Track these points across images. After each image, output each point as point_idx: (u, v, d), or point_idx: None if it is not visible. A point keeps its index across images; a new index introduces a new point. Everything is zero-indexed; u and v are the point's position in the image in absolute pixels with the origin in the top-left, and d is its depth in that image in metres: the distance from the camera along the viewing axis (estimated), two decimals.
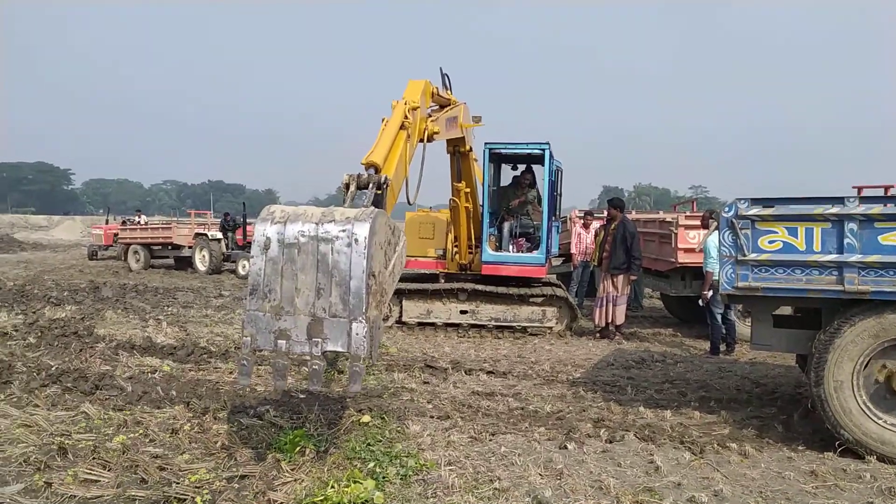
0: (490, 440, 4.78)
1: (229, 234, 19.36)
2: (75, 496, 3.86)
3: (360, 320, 3.58)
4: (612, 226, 9.03)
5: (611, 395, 6.05)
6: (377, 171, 4.93)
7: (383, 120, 5.83)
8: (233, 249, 19.14)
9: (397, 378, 6.54)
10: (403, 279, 9.29)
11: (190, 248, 19.90)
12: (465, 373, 6.85)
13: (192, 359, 7.46)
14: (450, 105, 8.04)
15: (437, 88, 7.28)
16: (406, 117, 5.87)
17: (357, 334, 3.58)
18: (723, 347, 8.13)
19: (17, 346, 7.89)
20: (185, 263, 20.40)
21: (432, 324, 9.43)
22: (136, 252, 20.86)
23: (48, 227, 49.38)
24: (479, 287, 9.19)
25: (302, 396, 5.99)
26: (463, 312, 9.36)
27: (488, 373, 6.88)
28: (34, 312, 10.32)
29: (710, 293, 7.72)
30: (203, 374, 6.82)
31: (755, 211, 4.70)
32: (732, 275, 4.78)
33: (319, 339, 3.63)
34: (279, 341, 3.69)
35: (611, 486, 3.93)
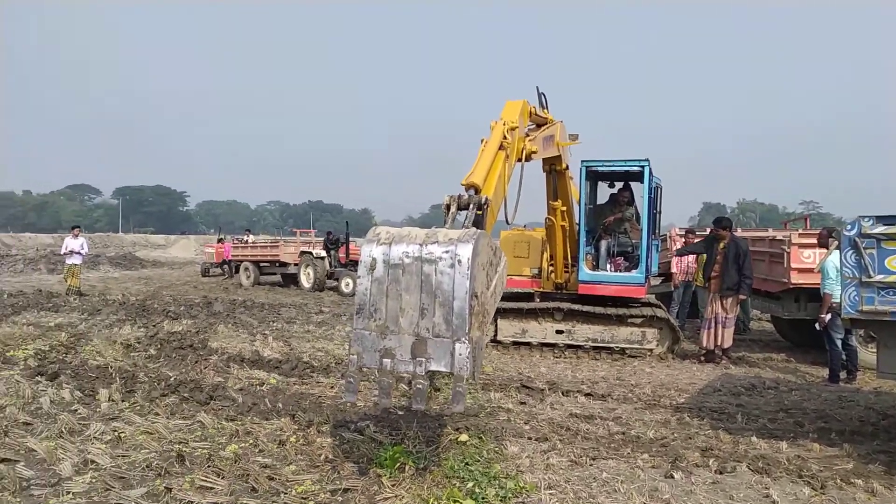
0: (591, 465, 4.66)
1: (332, 252, 20.05)
2: (192, 502, 4.08)
3: (463, 340, 3.60)
4: (721, 245, 8.63)
5: (719, 422, 5.76)
6: (477, 191, 4.96)
7: (482, 141, 5.87)
8: (336, 267, 19.78)
9: (494, 398, 6.52)
10: None
11: (296, 265, 20.73)
12: (563, 394, 6.73)
13: (295, 373, 7.76)
14: (546, 123, 8.00)
15: (534, 107, 7.28)
16: (505, 137, 5.89)
17: (460, 354, 3.60)
18: (843, 375, 7.56)
19: (139, 357, 8.49)
20: (291, 280, 21.29)
21: (527, 343, 9.34)
22: (247, 269, 22.00)
23: (165, 245, 53.12)
24: (576, 307, 9.03)
25: (400, 413, 6.09)
26: (559, 332, 9.22)
27: (586, 395, 6.73)
28: (154, 326, 11.10)
29: (829, 317, 7.22)
30: (306, 388, 7.06)
31: (881, 229, 4.38)
32: (856, 298, 4.46)
33: (423, 359, 3.67)
34: (384, 360, 3.75)
35: None
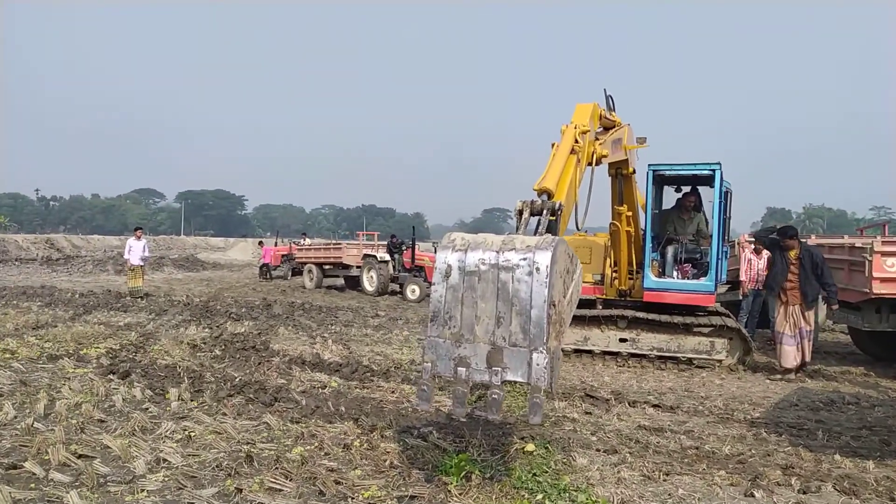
0: (664, 480, 4.49)
1: (396, 256, 19.91)
2: (262, 503, 4.10)
3: (540, 350, 3.49)
4: (793, 254, 8.23)
5: (798, 439, 5.48)
6: (550, 196, 4.86)
7: (553, 145, 5.78)
8: (399, 272, 19.63)
9: (558, 406, 6.38)
10: None
11: (358, 267, 20.70)
12: (629, 405, 6.54)
13: (356, 376, 7.79)
14: (615, 127, 7.83)
15: (603, 110, 7.13)
16: (576, 141, 5.78)
17: (538, 365, 3.50)
18: None
19: (205, 357, 8.69)
20: (354, 283, 21.25)
21: (589, 351, 9.15)
22: (310, 271, 22.11)
23: (225, 248, 54.56)
24: (641, 314, 8.79)
25: (463, 420, 6.02)
26: (622, 340, 8.99)
27: (654, 406, 6.52)
28: (218, 327, 11.36)
29: None
30: (367, 392, 7.07)
31: None
32: None
33: (499, 369, 3.58)
34: (459, 368, 3.67)
35: None
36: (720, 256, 8.96)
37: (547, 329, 3.50)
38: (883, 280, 7.84)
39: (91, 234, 67.82)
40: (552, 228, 4.50)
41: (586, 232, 10.34)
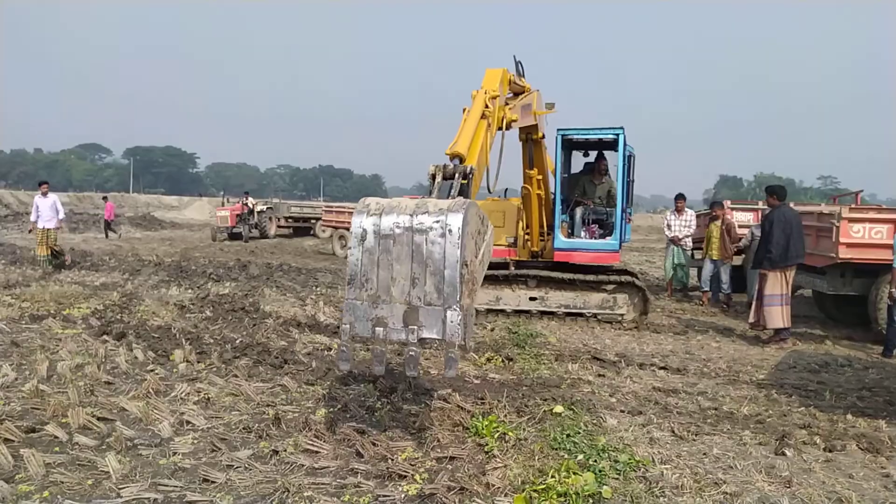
0: (694, 440, 4.59)
1: None
2: (304, 465, 4.03)
3: (454, 308, 3.65)
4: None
5: (807, 399, 5.67)
6: (462, 160, 5.01)
7: (465, 110, 5.87)
8: None
9: (571, 369, 6.44)
10: None
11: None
12: (638, 367, 6.65)
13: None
14: (524, 92, 7.92)
15: (512, 76, 7.18)
16: (487, 106, 5.89)
17: (452, 322, 3.65)
18: None
19: (196, 318, 8.45)
20: None
21: (502, 310, 9.41)
22: (342, 237, 20.16)
23: (179, 207, 53.03)
24: (546, 273, 9.17)
25: (477, 382, 6.03)
26: (532, 299, 9.34)
27: (661, 368, 6.65)
28: (199, 287, 11.04)
29: None
30: (369, 354, 6.98)
31: None
32: None
33: (415, 327, 3.72)
34: (377, 329, 3.80)
35: (852, 499, 3.66)
36: (624, 217, 9.44)
37: (460, 288, 3.65)
38: (849, 245, 8.18)
39: (35, 189, 64.81)
40: (464, 191, 4.65)
41: (500, 197, 10.47)
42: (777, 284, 8.03)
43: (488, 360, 6.74)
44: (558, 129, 9.25)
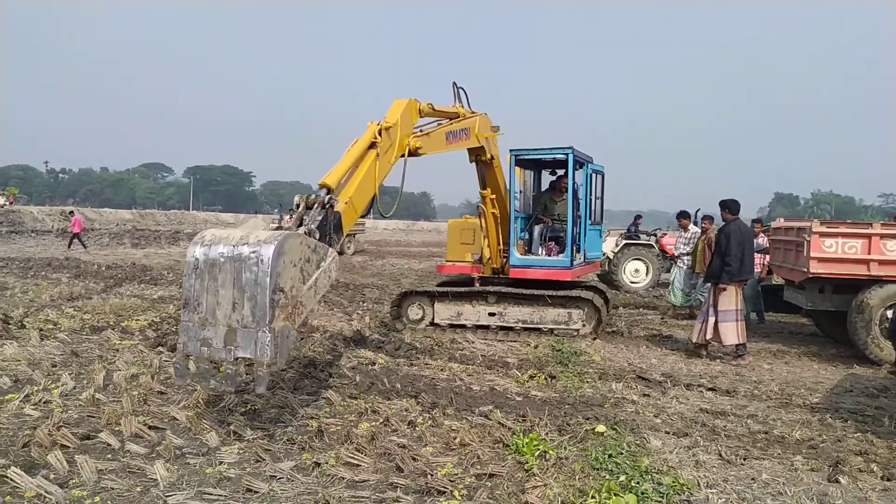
0: (743, 464, 4.46)
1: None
2: (344, 478, 4.08)
3: (264, 330, 4.08)
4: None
5: (864, 425, 5.43)
6: (329, 191, 5.23)
7: (355, 140, 5.97)
8: None
9: (615, 388, 6.35)
10: (441, 284, 10.05)
11: None
12: (685, 388, 6.50)
13: (400, 353, 7.77)
14: (459, 117, 7.95)
15: (429, 104, 7.15)
16: (377, 136, 5.99)
17: (262, 343, 4.09)
18: None
19: None
20: None
21: (462, 325, 9.44)
22: None
23: (235, 224, 54.57)
24: (504, 289, 9.22)
25: (519, 399, 6.00)
26: (491, 315, 9.36)
27: (709, 389, 6.48)
28: None
29: None
30: (416, 370, 7.04)
31: None
32: None
33: (233, 347, 4.17)
34: (203, 348, 4.25)
35: None
36: (583, 235, 9.68)
37: (271, 312, 4.09)
38: (820, 260, 8.02)
39: (100, 207, 67.90)
40: (325, 220, 5.02)
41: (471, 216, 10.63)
42: (732, 300, 7.97)
43: (531, 377, 6.71)
44: (511, 150, 9.59)
